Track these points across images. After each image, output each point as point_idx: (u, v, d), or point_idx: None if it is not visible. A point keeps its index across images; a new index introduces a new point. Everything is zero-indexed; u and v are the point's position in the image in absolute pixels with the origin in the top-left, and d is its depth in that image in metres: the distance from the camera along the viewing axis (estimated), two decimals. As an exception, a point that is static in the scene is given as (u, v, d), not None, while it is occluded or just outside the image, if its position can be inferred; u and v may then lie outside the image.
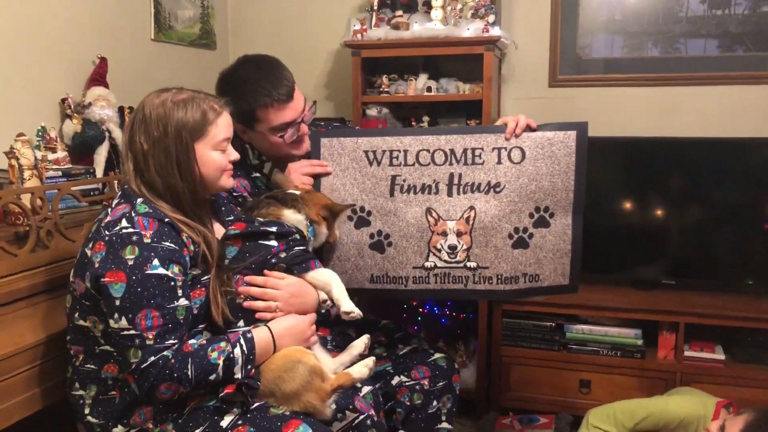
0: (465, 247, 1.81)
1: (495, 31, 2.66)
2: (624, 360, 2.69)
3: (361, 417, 1.58)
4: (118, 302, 1.40)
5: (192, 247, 1.51)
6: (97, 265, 1.42)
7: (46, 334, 1.62)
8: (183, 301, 1.46)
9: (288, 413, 1.49)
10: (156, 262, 1.42)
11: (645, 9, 2.89)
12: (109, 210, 1.51)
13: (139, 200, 1.50)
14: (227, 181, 1.62)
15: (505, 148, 1.80)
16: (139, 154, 1.51)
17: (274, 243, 1.62)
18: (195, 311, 1.51)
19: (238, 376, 1.46)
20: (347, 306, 1.60)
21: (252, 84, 1.80)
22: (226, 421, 1.46)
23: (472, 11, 2.72)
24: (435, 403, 1.90)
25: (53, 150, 2.10)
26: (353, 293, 1.73)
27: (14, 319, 1.61)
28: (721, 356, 2.61)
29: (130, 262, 1.41)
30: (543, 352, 2.77)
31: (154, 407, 1.49)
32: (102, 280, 1.41)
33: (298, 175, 1.83)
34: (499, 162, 1.80)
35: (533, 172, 1.79)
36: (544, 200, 1.81)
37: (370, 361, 1.61)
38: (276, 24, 3.28)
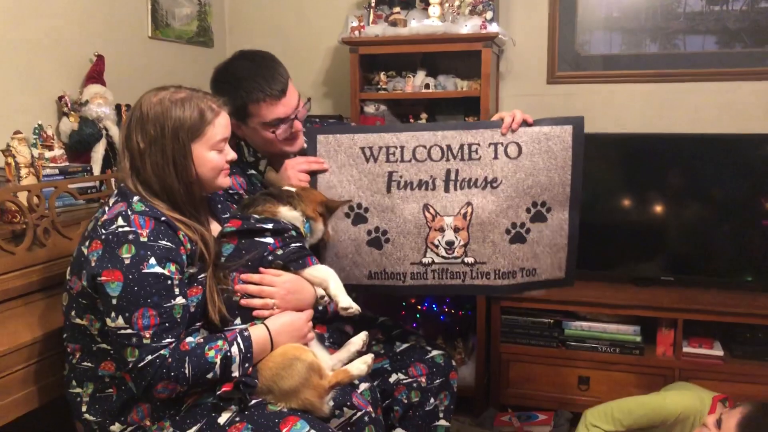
0: (462, 242, 1.81)
1: (493, 28, 2.65)
2: (623, 356, 2.69)
3: (359, 413, 1.59)
4: (114, 301, 1.40)
5: (189, 246, 1.51)
6: (93, 264, 1.42)
7: (42, 332, 1.62)
8: (180, 300, 1.46)
9: (285, 410, 1.49)
10: (153, 260, 1.42)
11: (643, 5, 2.89)
12: (106, 208, 1.50)
13: (136, 198, 1.49)
14: (224, 181, 1.62)
15: (502, 144, 1.79)
16: (136, 152, 1.51)
17: (270, 240, 1.62)
18: (192, 309, 1.51)
19: (236, 374, 1.46)
20: (345, 302, 1.60)
21: (245, 79, 1.80)
22: (223, 418, 1.46)
23: (470, 8, 2.72)
24: (432, 400, 1.90)
25: (50, 148, 2.10)
26: (351, 289, 1.74)
27: (11, 317, 1.61)
28: (720, 352, 2.61)
29: (127, 261, 1.41)
30: (542, 348, 2.77)
31: (151, 404, 1.49)
32: (99, 278, 1.41)
33: (294, 172, 1.83)
34: (495, 157, 1.79)
35: (530, 167, 1.79)
36: (540, 195, 1.81)
37: (368, 357, 1.61)
38: (273, 21, 3.28)
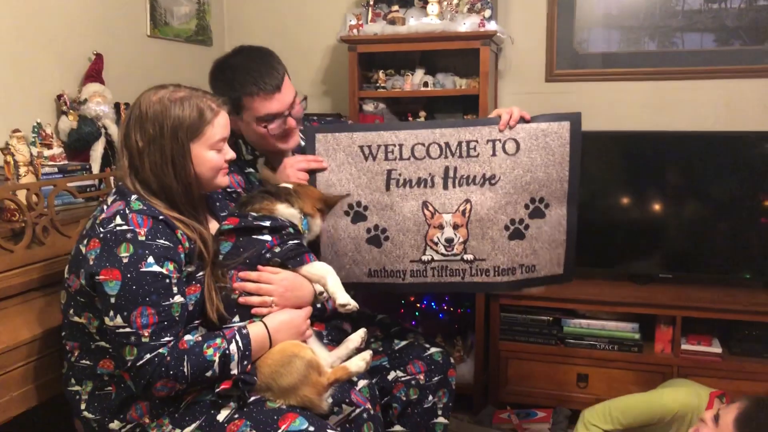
0: (462, 239, 1.82)
1: (491, 26, 2.65)
2: (621, 354, 2.69)
3: (358, 410, 1.59)
4: (113, 300, 1.40)
5: (187, 244, 1.51)
6: (91, 263, 1.42)
7: (41, 330, 1.62)
8: (178, 298, 1.46)
9: (284, 407, 1.49)
10: (151, 259, 1.42)
11: (642, 3, 2.89)
12: (104, 207, 1.50)
13: (134, 197, 1.49)
14: (223, 180, 1.62)
15: (500, 140, 1.80)
16: (135, 151, 1.51)
17: (267, 237, 1.62)
18: (190, 308, 1.51)
19: (234, 372, 1.46)
20: (343, 298, 1.60)
21: (241, 72, 1.80)
22: (222, 416, 1.46)
23: (468, 6, 2.72)
24: (431, 397, 1.90)
25: (49, 146, 2.10)
26: (351, 288, 1.74)
27: (10, 315, 1.61)
28: (718, 349, 2.62)
29: (125, 260, 1.40)
30: (540, 346, 2.78)
31: (150, 402, 1.49)
32: (97, 277, 1.41)
33: (293, 170, 1.83)
34: (493, 154, 1.80)
35: (528, 164, 1.79)
36: (539, 191, 1.81)
37: (367, 354, 1.61)
38: (272, 20, 3.28)
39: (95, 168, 2.24)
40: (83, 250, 1.45)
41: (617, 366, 2.69)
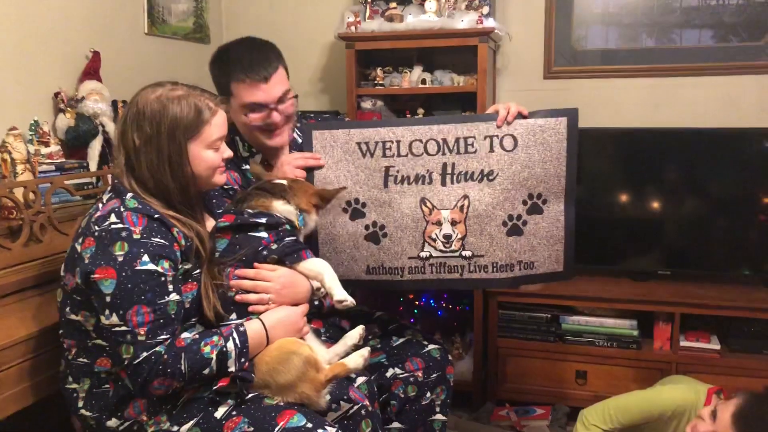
0: (460, 236, 1.81)
1: (489, 23, 2.65)
2: (620, 351, 2.69)
3: (356, 407, 1.59)
4: (108, 299, 1.40)
5: (183, 242, 1.50)
6: (87, 261, 1.42)
7: (38, 328, 1.62)
8: (174, 296, 1.45)
9: (282, 404, 1.49)
10: (146, 258, 1.41)
11: (639, 0, 2.89)
12: (100, 205, 1.50)
13: (129, 195, 1.48)
14: (220, 179, 1.61)
15: (497, 136, 1.79)
16: (131, 150, 1.50)
17: (264, 234, 1.62)
18: (187, 305, 1.51)
19: (232, 369, 1.46)
20: (340, 294, 1.60)
21: (234, 58, 1.82)
22: (220, 413, 1.46)
23: (466, 3, 2.71)
24: (429, 394, 1.90)
25: (46, 144, 2.10)
26: (349, 285, 1.74)
27: (7, 313, 1.60)
28: (717, 346, 2.62)
29: (120, 259, 1.40)
30: (539, 343, 2.78)
31: (147, 399, 1.49)
32: (92, 276, 1.40)
33: (291, 167, 1.83)
34: (491, 150, 1.79)
35: (525, 160, 1.79)
36: (536, 187, 1.81)
37: (365, 351, 1.61)
38: (270, 17, 3.27)
39: (92, 166, 2.23)
40: (78, 248, 1.45)
41: (616, 363, 2.70)
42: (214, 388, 1.46)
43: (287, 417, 1.43)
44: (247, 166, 1.94)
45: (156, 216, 1.47)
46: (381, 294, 2.93)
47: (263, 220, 1.62)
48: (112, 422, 1.51)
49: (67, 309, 1.51)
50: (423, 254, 1.84)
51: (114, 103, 2.37)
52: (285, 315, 1.58)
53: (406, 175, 1.82)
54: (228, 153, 1.61)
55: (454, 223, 1.81)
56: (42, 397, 1.64)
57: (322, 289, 1.65)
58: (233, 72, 1.81)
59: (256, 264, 1.60)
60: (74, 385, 1.54)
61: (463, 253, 1.82)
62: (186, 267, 1.52)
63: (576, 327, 2.76)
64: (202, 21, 3.16)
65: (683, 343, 2.64)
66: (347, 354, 1.64)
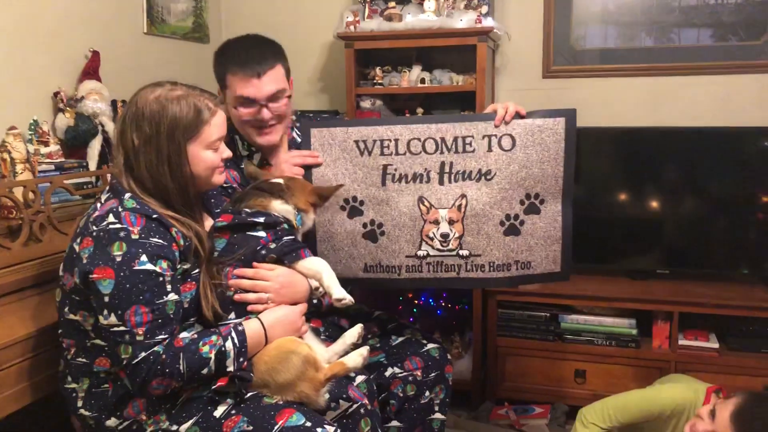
0: (457, 235, 1.82)
1: (488, 22, 2.65)
2: (619, 349, 2.69)
3: (355, 406, 1.59)
4: (107, 299, 1.40)
5: (182, 242, 1.50)
6: (85, 261, 1.42)
7: (37, 327, 1.63)
8: (172, 296, 1.45)
9: (281, 402, 1.49)
10: (144, 258, 1.41)
11: (638, -1, 2.90)
12: (98, 204, 1.50)
13: (127, 195, 1.48)
14: (219, 179, 1.61)
15: (496, 136, 1.80)
16: (130, 150, 1.50)
17: (262, 234, 1.62)
18: (185, 305, 1.51)
19: (231, 369, 1.46)
20: (338, 293, 1.60)
21: (233, 50, 1.85)
22: (219, 412, 1.47)
23: (465, 2, 2.72)
24: (428, 393, 1.90)
25: (46, 144, 2.10)
26: (347, 283, 1.74)
27: (6, 313, 1.61)
28: (715, 345, 2.62)
29: (118, 259, 1.40)
30: (538, 342, 2.78)
31: (147, 399, 1.49)
32: (90, 276, 1.40)
33: (289, 165, 1.83)
34: (489, 149, 1.80)
35: (523, 159, 1.79)
36: (534, 187, 1.81)
37: (364, 350, 1.61)
38: (269, 16, 3.27)
39: (92, 165, 2.23)
40: (77, 248, 1.45)
41: (615, 362, 2.70)
42: (213, 387, 1.47)
43: (286, 416, 1.43)
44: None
45: (154, 216, 1.47)
46: (380, 293, 2.93)
47: (261, 220, 1.63)
48: (112, 422, 1.51)
49: (66, 309, 1.51)
50: (420, 253, 1.84)
51: (113, 103, 2.37)
52: (283, 314, 1.58)
53: (404, 173, 1.82)
54: (227, 153, 1.61)
55: (451, 222, 1.82)
56: (41, 397, 1.64)
57: (321, 289, 1.65)
58: (229, 64, 1.83)
59: (254, 263, 1.60)
60: (73, 385, 1.54)
61: (461, 252, 1.83)
62: (184, 267, 1.52)
63: (575, 326, 2.76)
64: (201, 20, 3.16)
65: (682, 342, 2.64)
66: (346, 353, 1.64)
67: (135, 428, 1.50)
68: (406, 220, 1.83)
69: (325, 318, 1.92)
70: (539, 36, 3.00)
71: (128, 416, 1.50)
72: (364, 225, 1.86)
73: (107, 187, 1.55)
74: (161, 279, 1.43)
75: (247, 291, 1.58)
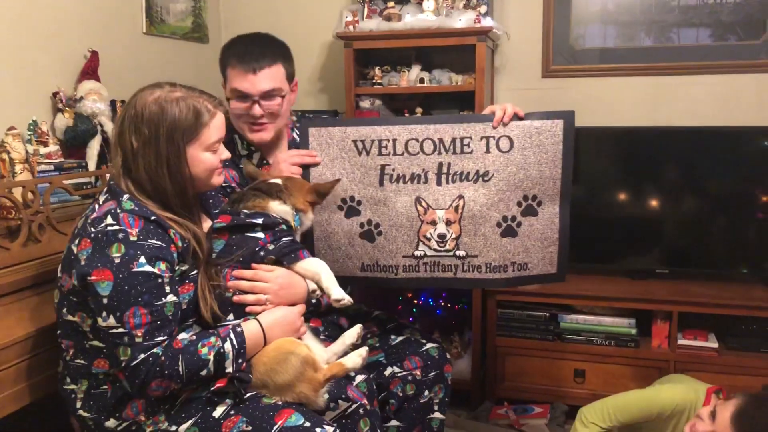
0: (454, 235, 1.82)
1: (487, 22, 2.65)
2: (618, 349, 2.69)
3: (354, 406, 1.59)
4: (105, 300, 1.39)
5: (180, 243, 1.50)
6: (83, 263, 1.41)
7: (36, 328, 1.62)
8: (171, 298, 1.45)
9: (280, 403, 1.49)
10: (142, 259, 1.41)
11: (638, -1, 2.90)
12: (96, 206, 1.49)
13: (125, 197, 1.48)
14: (218, 180, 1.61)
15: (494, 137, 1.80)
16: (129, 151, 1.49)
17: (260, 235, 1.62)
18: (184, 306, 1.50)
19: (230, 370, 1.46)
20: (337, 294, 1.60)
21: (237, 45, 1.88)
22: (218, 412, 1.47)
23: (464, 2, 2.72)
24: (427, 393, 1.90)
25: (45, 144, 2.10)
26: (345, 282, 1.74)
27: (5, 313, 1.61)
28: (715, 344, 2.62)
29: (117, 260, 1.40)
30: (537, 342, 2.78)
31: (146, 400, 1.49)
32: (89, 278, 1.40)
33: (287, 165, 1.83)
34: (487, 151, 1.80)
35: (521, 161, 1.79)
36: (531, 189, 1.81)
37: (363, 350, 1.62)
38: (268, 16, 3.27)
39: (91, 165, 2.23)
40: (75, 249, 1.45)
41: (614, 361, 2.70)
42: (212, 389, 1.47)
43: (285, 416, 1.44)
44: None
45: (152, 218, 1.46)
46: (379, 293, 2.93)
47: (260, 221, 1.63)
48: (111, 423, 1.51)
49: (64, 310, 1.51)
50: (417, 253, 1.84)
51: (112, 103, 2.37)
52: (282, 315, 1.58)
53: (402, 173, 1.83)
54: (226, 154, 1.61)
55: (448, 222, 1.82)
56: (40, 397, 1.64)
57: (318, 291, 1.65)
58: (230, 57, 1.86)
59: (253, 264, 1.60)
60: (72, 386, 1.54)
61: (457, 252, 1.83)
62: (183, 268, 1.51)
63: (574, 326, 2.76)
64: (200, 20, 3.16)
65: (681, 342, 2.64)
66: (345, 353, 1.64)
67: (134, 429, 1.50)
68: (404, 221, 1.83)
69: (324, 317, 1.93)
70: (538, 36, 3.00)
71: (127, 417, 1.50)
72: (362, 225, 1.86)
73: (105, 188, 1.54)
74: (160, 281, 1.43)
75: (245, 292, 1.58)
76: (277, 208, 1.67)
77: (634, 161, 2.82)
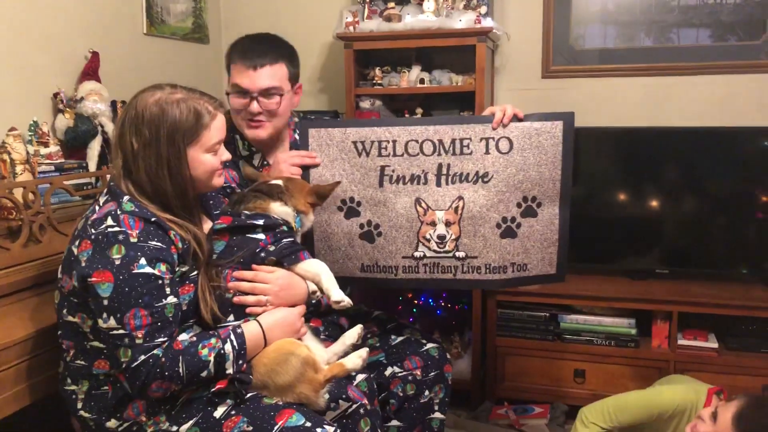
0: (454, 236, 1.82)
1: (487, 23, 2.65)
2: (618, 349, 2.69)
3: (354, 406, 1.59)
4: (106, 302, 1.39)
5: (180, 245, 1.50)
6: (83, 264, 1.41)
7: (36, 328, 1.62)
8: (171, 299, 1.45)
9: (281, 403, 1.49)
10: (143, 261, 1.41)
11: (638, -1, 2.90)
12: (96, 207, 1.49)
13: (126, 198, 1.48)
14: (218, 181, 1.61)
15: (493, 138, 1.80)
16: (129, 153, 1.49)
17: (261, 236, 1.62)
18: (184, 307, 1.50)
19: (230, 371, 1.47)
20: (337, 295, 1.60)
21: (243, 42, 1.90)
22: (219, 412, 1.47)
23: (464, 2, 2.72)
24: (427, 393, 1.91)
25: (45, 144, 2.10)
26: (344, 282, 1.74)
27: (6, 313, 1.61)
28: (714, 344, 2.62)
29: (117, 262, 1.40)
30: (537, 342, 2.78)
31: (146, 400, 1.49)
32: (89, 279, 1.40)
33: (287, 165, 1.83)
34: (487, 152, 1.80)
35: (521, 162, 1.80)
36: (531, 190, 1.81)
37: (363, 351, 1.62)
38: (269, 17, 3.27)
39: (92, 166, 2.24)
40: (75, 251, 1.45)
41: (614, 361, 2.70)
42: (212, 390, 1.47)
43: (286, 416, 1.44)
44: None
45: (152, 219, 1.46)
46: (379, 293, 2.94)
47: (260, 222, 1.63)
48: (112, 423, 1.51)
49: (65, 311, 1.51)
50: (417, 254, 1.85)
51: (113, 104, 2.37)
52: (282, 316, 1.58)
53: (402, 174, 1.83)
54: (226, 156, 1.61)
55: (448, 224, 1.82)
56: (40, 398, 1.65)
57: (318, 293, 1.65)
58: (235, 54, 1.89)
59: (254, 266, 1.60)
60: (73, 387, 1.55)
61: (457, 254, 1.83)
62: (183, 269, 1.51)
63: (574, 326, 2.76)
64: (201, 21, 3.16)
65: (681, 342, 2.64)
66: (346, 353, 1.65)
67: (135, 429, 1.51)
68: (403, 222, 1.83)
69: (324, 317, 1.93)
70: (538, 36, 3.00)
71: (128, 417, 1.50)
72: (361, 226, 1.86)
73: (105, 190, 1.54)
74: (160, 282, 1.43)
75: (246, 293, 1.58)
76: (278, 209, 1.68)
77: (634, 161, 2.82)
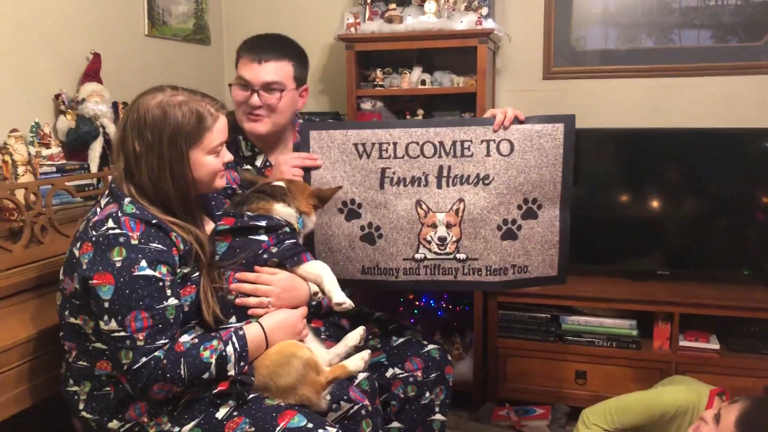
0: (454, 238, 1.82)
1: (488, 24, 2.65)
2: (619, 351, 2.69)
3: (356, 407, 1.59)
4: (107, 304, 1.39)
5: (182, 247, 1.50)
6: (84, 267, 1.41)
7: (38, 330, 1.62)
8: (172, 301, 1.45)
9: (283, 404, 1.49)
10: (144, 263, 1.41)
11: (639, 0, 2.89)
12: (98, 209, 1.49)
13: (127, 200, 1.48)
14: (220, 182, 1.61)
15: (494, 141, 1.80)
16: (131, 156, 1.49)
17: (264, 237, 1.62)
18: (185, 309, 1.50)
19: (232, 373, 1.47)
20: (339, 297, 1.60)
21: (253, 39, 1.96)
22: (221, 413, 1.47)
23: (466, 4, 2.72)
24: (428, 394, 1.90)
25: (47, 146, 2.11)
26: (345, 284, 1.74)
27: (7, 315, 1.61)
28: (716, 346, 2.62)
29: (118, 264, 1.40)
30: (539, 343, 2.78)
31: (148, 402, 1.49)
32: (90, 282, 1.40)
33: (288, 167, 1.83)
34: (488, 154, 1.80)
35: (521, 165, 1.80)
36: (532, 192, 1.82)
37: (365, 353, 1.62)
38: (270, 18, 3.28)
39: (93, 167, 2.24)
40: (77, 253, 1.45)
41: (615, 363, 2.70)
42: (214, 392, 1.47)
43: (288, 417, 1.44)
44: (248, 167, 1.95)
45: (154, 221, 1.46)
46: (380, 294, 2.94)
47: (263, 223, 1.62)
48: (113, 424, 1.51)
49: (66, 312, 1.51)
50: (418, 256, 1.85)
51: (114, 105, 2.37)
52: (284, 318, 1.58)
53: (402, 177, 1.83)
54: (228, 157, 1.61)
55: (449, 226, 1.82)
56: (42, 399, 1.65)
57: (319, 294, 1.65)
58: (243, 49, 1.94)
59: (256, 267, 1.60)
60: (75, 388, 1.55)
61: (458, 255, 1.83)
62: (185, 271, 1.51)
63: (575, 327, 2.76)
64: (202, 22, 3.17)
65: (682, 343, 2.64)
66: (348, 355, 1.65)
67: (137, 430, 1.51)
68: (404, 224, 1.83)
69: (325, 318, 1.93)
70: (540, 37, 3.01)
71: (130, 418, 1.50)
72: (362, 228, 1.86)
73: (106, 191, 1.54)
74: (161, 284, 1.43)
75: (248, 295, 1.58)
76: (282, 210, 1.67)
77: (635, 163, 2.82)
